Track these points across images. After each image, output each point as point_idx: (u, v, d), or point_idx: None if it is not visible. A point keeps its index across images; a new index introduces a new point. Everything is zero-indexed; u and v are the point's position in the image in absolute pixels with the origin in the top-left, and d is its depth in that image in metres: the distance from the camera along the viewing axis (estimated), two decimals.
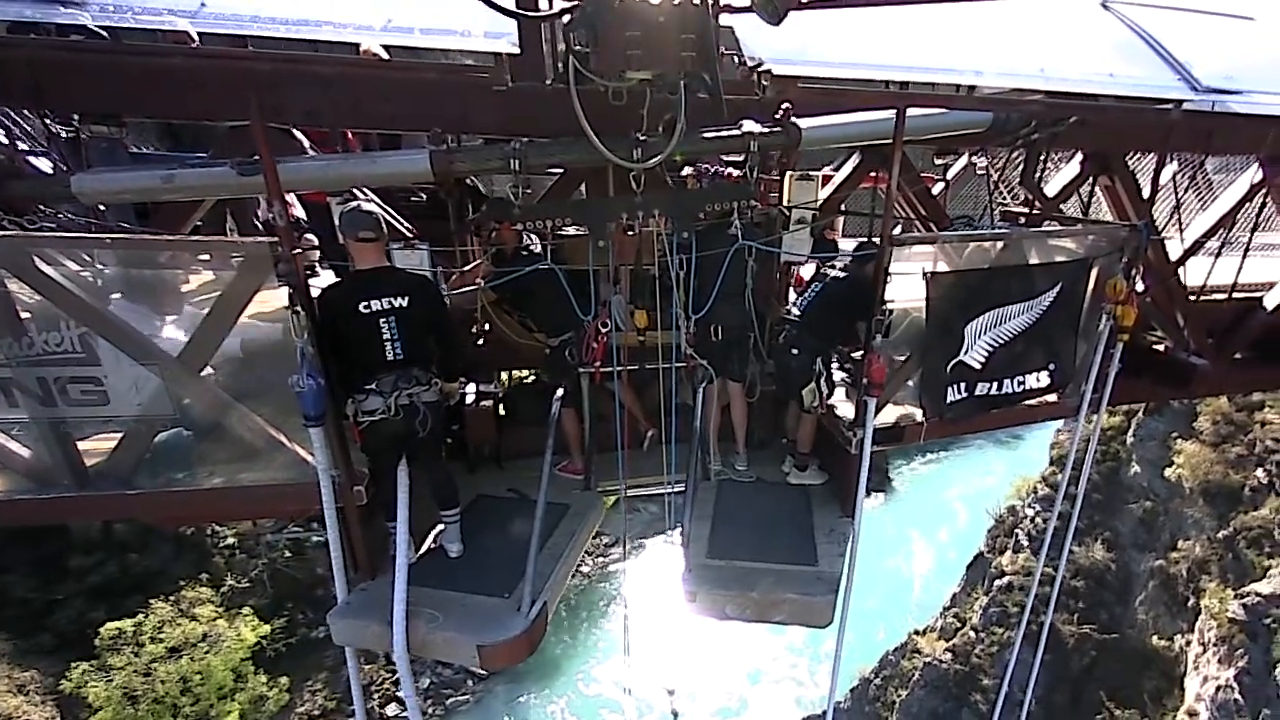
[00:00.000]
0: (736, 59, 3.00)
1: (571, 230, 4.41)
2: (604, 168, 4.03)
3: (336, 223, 3.62)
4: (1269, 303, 6.29)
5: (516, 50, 2.59)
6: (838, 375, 4.82)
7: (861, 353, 4.45)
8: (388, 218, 4.66)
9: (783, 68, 2.82)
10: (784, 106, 3.85)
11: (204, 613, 20.90)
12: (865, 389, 3.93)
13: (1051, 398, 4.55)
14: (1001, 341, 4.18)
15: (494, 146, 3.97)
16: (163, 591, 20.78)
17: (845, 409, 4.54)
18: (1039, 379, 4.39)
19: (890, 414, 4.46)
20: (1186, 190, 6.04)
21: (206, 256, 3.69)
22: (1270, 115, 4.94)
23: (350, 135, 5.57)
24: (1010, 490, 30.12)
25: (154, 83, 3.51)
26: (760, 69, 2.77)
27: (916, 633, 26.12)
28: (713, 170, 6.87)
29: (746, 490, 4.69)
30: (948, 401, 4.19)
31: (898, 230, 3.77)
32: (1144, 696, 20.10)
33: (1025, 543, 25.89)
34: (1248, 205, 5.81)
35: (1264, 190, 5.59)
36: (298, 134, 4.26)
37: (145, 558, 21.84)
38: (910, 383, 4.33)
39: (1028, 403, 4.48)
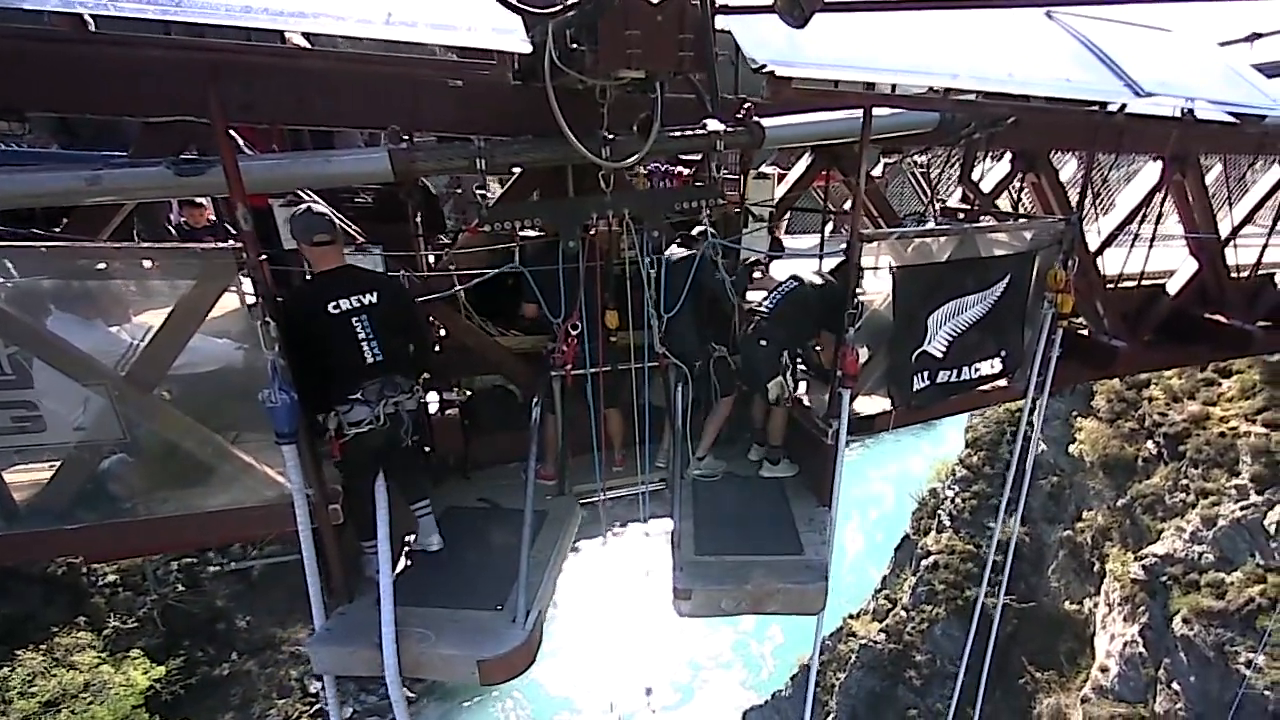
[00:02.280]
0: (733, 61, 3.13)
1: (531, 232, 4.46)
2: (563, 168, 4.10)
3: (289, 228, 3.50)
4: (1171, 288, 7.15)
5: (528, 48, 2.60)
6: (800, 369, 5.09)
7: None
8: (336, 220, 4.53)
9: (783, 69, 2.99)
10: (746, 106, 4.03)
11: (84, 660, 19.12)
12: (840, 381, 4.19)
13: (1002, 383, 5.00)
14: (959, 331, 4.57)
15: (458, 145, 3.93)
16: (31, 641, 18.84)
17: (815, 402, 4.81)
18: (992, 365, 4.83)
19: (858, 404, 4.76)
20: (1104, 184, 6.74)
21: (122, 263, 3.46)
22: (1172, 117, 5.64)
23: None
24: (931, 473, 32.29)
25: (76, 74, 3.25)
26: (764, 70, 2.91)
27: (851, 616, 27.66)
28: (664, 170, 7.07)
29: (720, 486, 4.86)
30: (914, 390, 4.53)
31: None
32: (1060, 658, 22.20)
33: (947, 523, 27.85)
34: (1153, 200, 6.57)
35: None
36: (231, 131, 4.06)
37: (4, 605, 19.71)
38: (877, 373, 4.65)
39: (982, 388, 4.91)
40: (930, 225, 6.23)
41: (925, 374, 4.55)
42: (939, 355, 4.55)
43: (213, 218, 6.44)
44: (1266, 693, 15.12)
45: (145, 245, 3.67)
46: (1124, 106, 4.44)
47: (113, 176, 3.35)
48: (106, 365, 3.13)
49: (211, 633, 24.33)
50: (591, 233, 4.33)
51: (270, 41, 4.22)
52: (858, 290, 4.07)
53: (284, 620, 26.41)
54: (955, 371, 4.65)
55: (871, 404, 5.01)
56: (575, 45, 2.78)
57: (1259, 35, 8.47)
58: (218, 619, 24.72)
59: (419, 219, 4.63)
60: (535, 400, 4.25)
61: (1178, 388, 22.23)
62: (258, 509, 3.40)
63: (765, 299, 4.71)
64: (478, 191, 6.29)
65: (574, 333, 4.46)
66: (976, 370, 4.77)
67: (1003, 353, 4.84)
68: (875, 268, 4.39)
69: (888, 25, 3.38)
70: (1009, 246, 4.77)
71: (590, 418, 4.58)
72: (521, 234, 4.45)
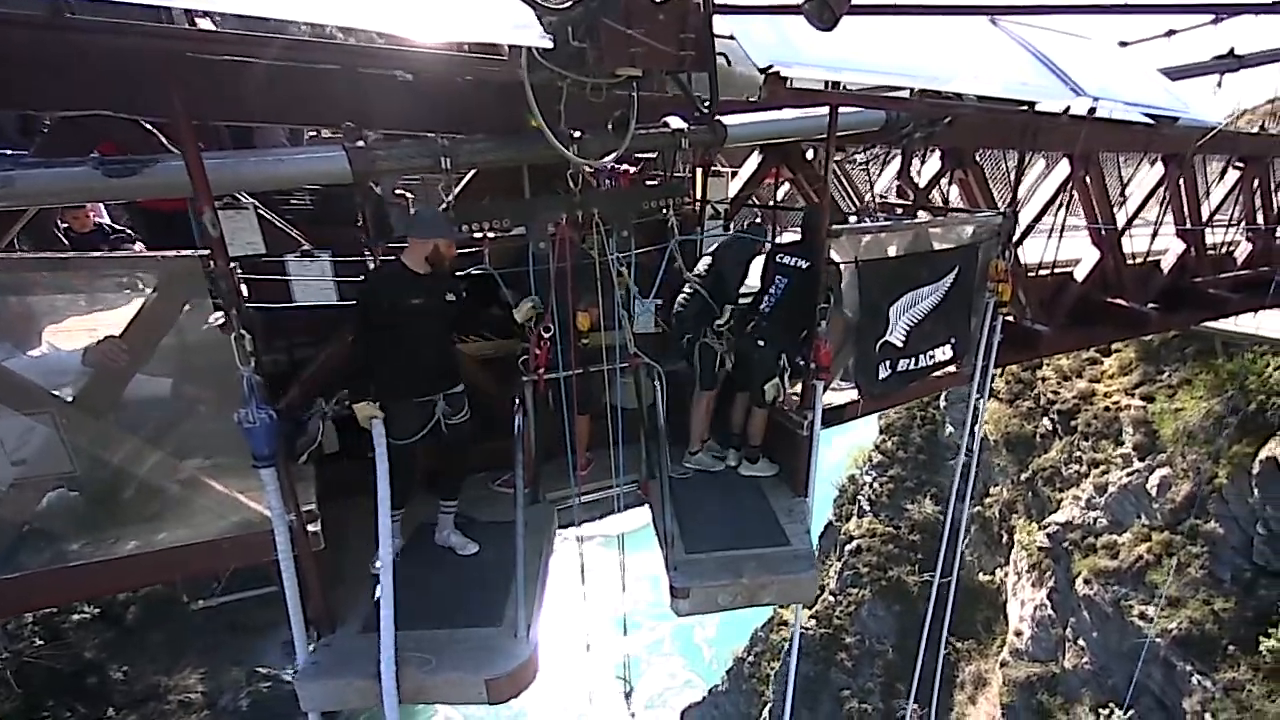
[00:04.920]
0: (728, 60, 3.26)
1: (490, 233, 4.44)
2: (519, 168, 4.11)
3: (410, 222, 3.67)
4: (1078, 275, 7.98)
5: (549, 44, 2.59)
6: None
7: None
8: (278, 224, 4.32)
9: (785, 70, 3.14)
10: (706, 104, 4.18)
11: None
12: (814, 373, 4.44)
13: (952, 368, 5.44)
14: (916, 320, 4.94)
15: (419, 143, 3.86)
16: None
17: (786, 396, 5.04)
18: (944, 352, 5.25)
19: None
20: (1022, 175, 7.41)
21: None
22: (1082, 117, 6.29)
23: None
24: (849, 461, 34.07)
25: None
26: (769, 70, 3.05)
27: (781, 605, 28.77)
28: (610, 167, 7.12)
29: (696, 485, 5.00)
30: (879, 379, 4.85)
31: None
32: (978, 627, 24.19)
33: (867, 507, 29.54)
34: (1061, 195, 7.31)
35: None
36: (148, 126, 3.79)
37: None
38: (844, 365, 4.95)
39: (935, 374, 5.32)
40: (867, 221, 6.65)
41: (888, 363, 4.89)
42: (899, 344, 4.90)
43: (100, 221, 5.90)
44: (1158, 640, 17.11)
45: (103, 255, 3.38)
46: (1068, 108, 4.96)
47: (27, 179, 3.06)
48: (45, 390, 2.87)
49: (80, 688, 22.16)
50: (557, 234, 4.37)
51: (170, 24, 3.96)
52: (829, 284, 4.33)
53: (168, 667, 24.46)
54: (914, 359, 5.03)
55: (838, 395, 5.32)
56: (577, 42, 2.82)
57: (1125, 43, 9.56)
58: (87, 672, 22.58)
59: (365, 221, 4.48)
60: (517, 407, 4.22)
61: (1067, 367, 24.60)
62: (228, 540, 3.21)
63: (761, 298, 4.82)
64: (396, 193, 6.14)
65: (546, 336, 4.47)
66: (931, 357, 5.17)
67: (953, 339, 5.27)
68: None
69: (859, 30, 3.61)
70: (954, 240, 5.19)
71: (563, 422, 4.59)
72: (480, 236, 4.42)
